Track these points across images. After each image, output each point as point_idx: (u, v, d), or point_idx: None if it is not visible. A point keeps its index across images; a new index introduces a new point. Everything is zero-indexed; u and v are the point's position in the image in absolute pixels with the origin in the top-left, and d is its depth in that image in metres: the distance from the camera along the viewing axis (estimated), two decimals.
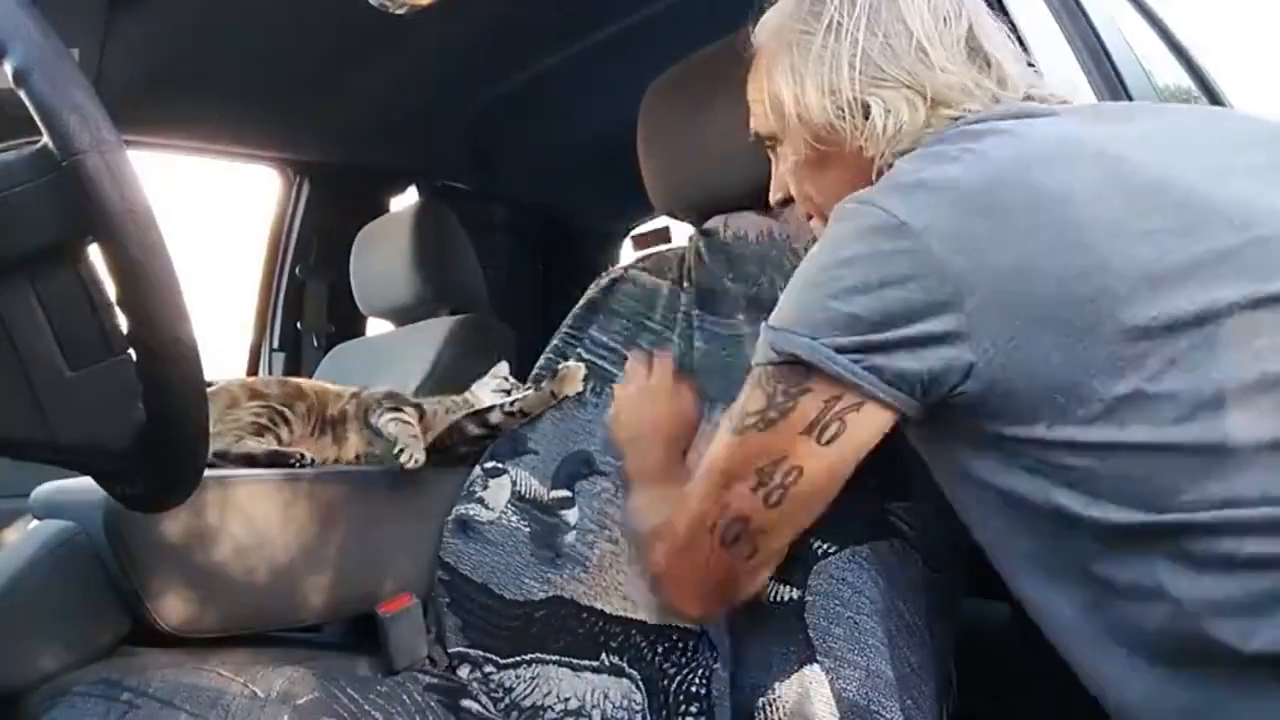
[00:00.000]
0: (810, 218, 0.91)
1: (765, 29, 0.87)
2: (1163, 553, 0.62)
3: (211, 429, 1.17)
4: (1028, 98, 0.81)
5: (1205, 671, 0.61)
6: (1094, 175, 0.67)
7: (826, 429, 0.70)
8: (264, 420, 1.22)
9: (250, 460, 1.15)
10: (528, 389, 1.28)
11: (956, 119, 0.78)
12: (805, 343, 0.69)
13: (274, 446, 1.19)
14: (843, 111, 0.80)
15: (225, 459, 1.15)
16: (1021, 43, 1.05)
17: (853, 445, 0.72)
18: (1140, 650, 0.64)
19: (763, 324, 0.75)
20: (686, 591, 0.82)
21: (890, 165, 0.78)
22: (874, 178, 0.78)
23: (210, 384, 1.27)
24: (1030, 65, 0.84)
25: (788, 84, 0.83)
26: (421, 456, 1.15)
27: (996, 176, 0.68)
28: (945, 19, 0.80)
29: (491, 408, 1.27)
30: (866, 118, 0.79)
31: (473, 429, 1.26)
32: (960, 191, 0.68)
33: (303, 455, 1.17)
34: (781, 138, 0.88)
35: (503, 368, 1.39)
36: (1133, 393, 0.62)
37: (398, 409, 1.24)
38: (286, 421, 1.24)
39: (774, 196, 0.93)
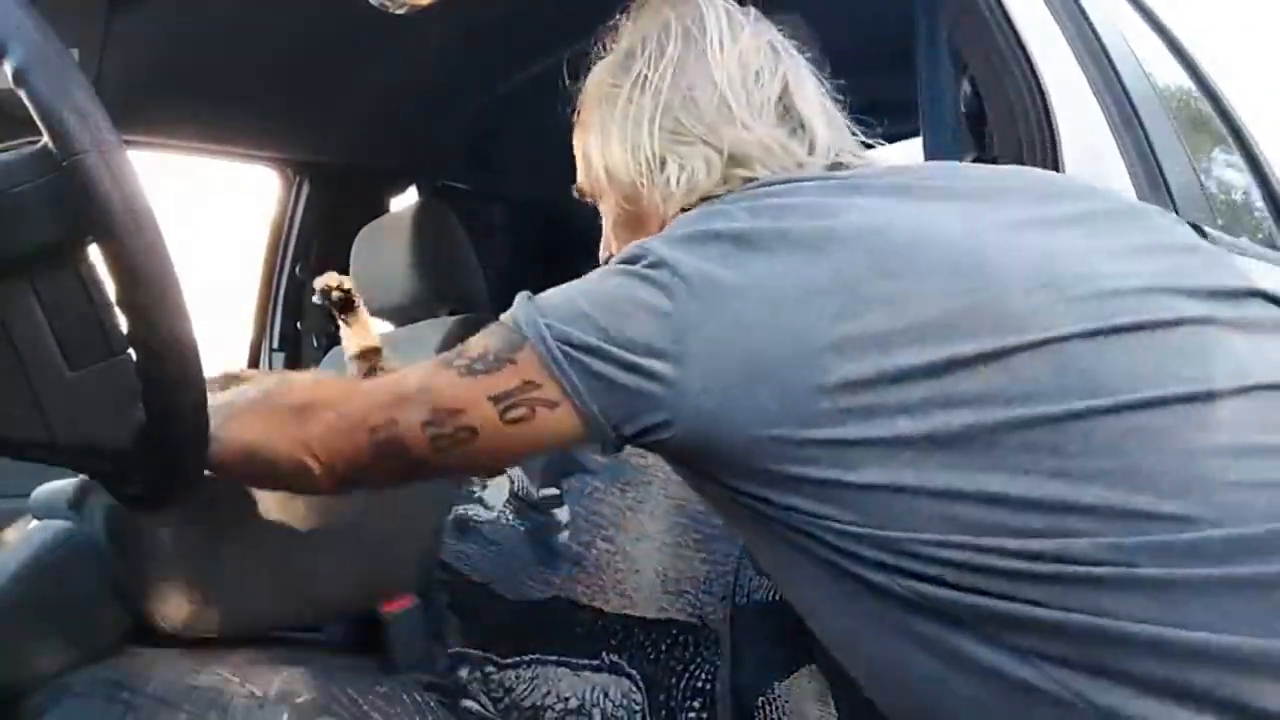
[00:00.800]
0: None
1: (588, 81, 0.86)
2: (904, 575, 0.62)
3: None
4: (836, 164, 0.79)
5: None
6: (846, 238, 0.66)
7: (514, 408, 0.68)
8: None
9: None
10: None
11: (749, 180, 0.76)
12: (536, 322, 0.68)
13: None
14: (642, 168, 0.78)
15: None
16: (1023, 46, 1.06)
17: (530, 438, 0.69)
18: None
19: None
20: (316, 473, 0.74)
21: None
22: None
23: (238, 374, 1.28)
24: (853, 133, 0.83)
25: (596, 140, 0.82)
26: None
27: (750, 236, 0.67)
28: (757, 75, 0.78)
29: None
30: (664, 172, 0.77)
31: None
32: (714, 248, 0.67)
33: None
34: (597, 196, 0.86)
35: None
36: (862, 439, 0.61)
37: None
38: None
39: (603, 254, 0.90)
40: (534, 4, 1.63)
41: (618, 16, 0.85)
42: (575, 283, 0.71)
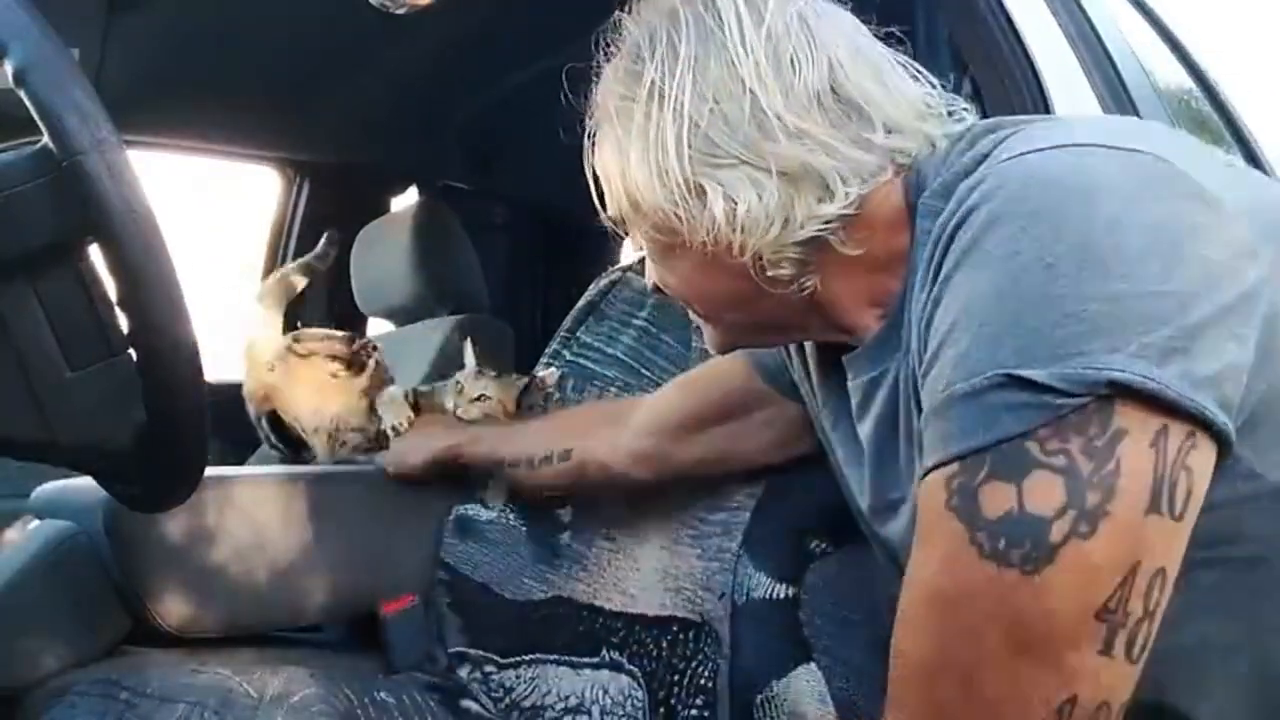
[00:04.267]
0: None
1: (598, 92, 0.70)
2: None
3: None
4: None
5: None
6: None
7: (1176, 488, 0.46)
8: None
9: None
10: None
11: (910, 164, 0.62)
12: (1115, 360, 0.45)
13: None
14: (674, 197, 0.63)
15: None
16: (1023, 46, 1.06)
17: (1196, 505, 0.47)
18: None
19: (952, 389, 0.49)
20: None
21: (774, 260, 0.62)
22: (754, 274, 0.64)
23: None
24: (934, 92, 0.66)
25: (614, 162, 0.67)
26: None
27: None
28: (793, 62, 0.61)
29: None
30: (704, 206, 0.62)
31: None
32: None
33: None
34: (625, 224, 0.71)
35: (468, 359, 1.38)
36: None
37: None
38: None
39: (649, 282, 0.76)
40: (534, 4, 1.63)
41: (618, 11, 0.70)
42: (1040, 286, 0.47)
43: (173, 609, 0.99)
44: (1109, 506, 0.45)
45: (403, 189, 2.31)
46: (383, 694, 1.01)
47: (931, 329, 0.53)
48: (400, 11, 1.35)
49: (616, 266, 1.37)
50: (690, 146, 0.62)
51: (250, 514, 1.05)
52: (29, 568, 0.97)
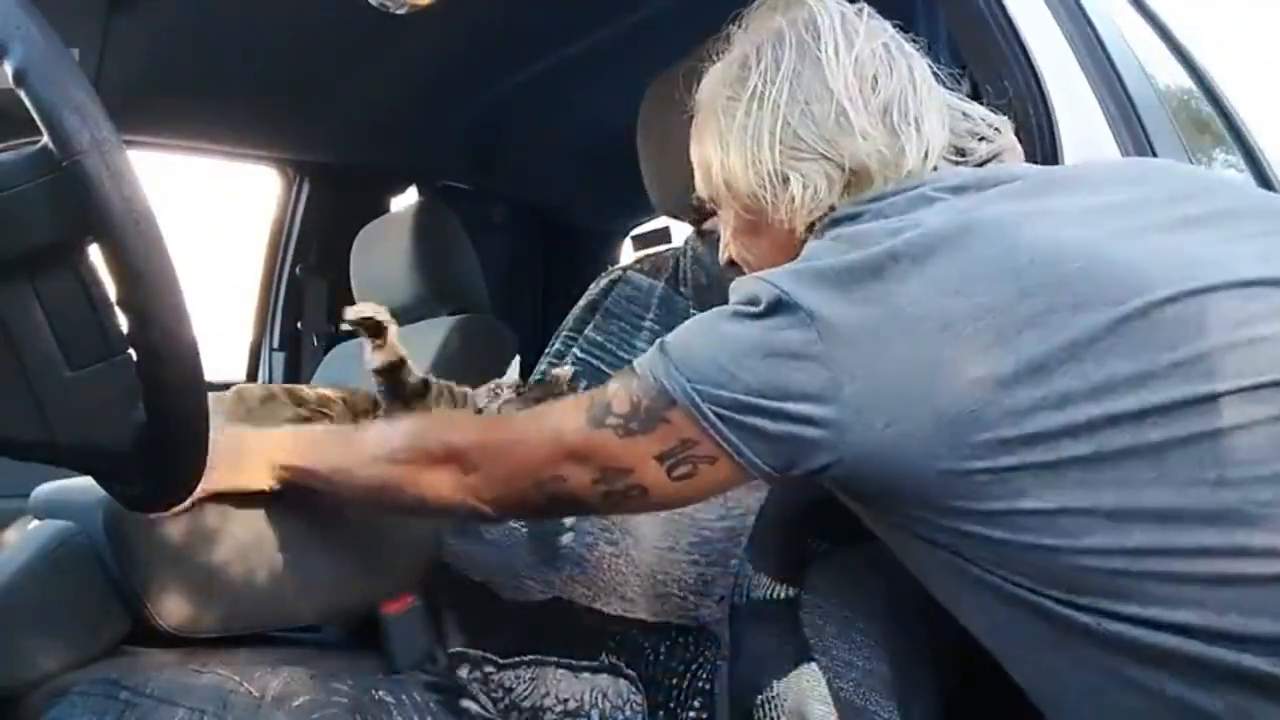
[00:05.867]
0: None
1: (702, 91, 0.87)
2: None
3: (247, 418, 1.18)
4: (961, 153, 0.81)
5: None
6: (988, 259, 0.66)
7: (678, 466, 0.71)
8: (306, 413, 1.23)
9: None
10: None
11: (871, 200, 0.76)
12: (682, 383, 0.69)
13: None
14: (764, 182, 0.79)
15: None
16: (1023, 46, 1.06)
17: (700, 489, 0.74)
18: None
19: (662, 338, 0.74)
20: (488, 514, 0.85)
21: (803, 238, 0.79)
22: (796, 250, 0.78)
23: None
24: (984, 118, 0.84)
25: (715, 151, 0.83)
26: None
27: (880, 268, 0.67)
28: (874, 80, 0.78)
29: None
30: (787, 189, 0.78)
31: None
32: (846, 283, 0.67)
33: None
34: (717, 203, 0.88)
35: (513, 371, 1.38)
36: (1027, 464, 0.62)
37: None
38: (328, 418, 1.25)
39: (722, 257, 0.93)
40: (534, 4, 1.63)
41: (728, 26, 0.85)
42: (707, 332, 0.72)
43: (172, 609, 0.99)
44: (636, 436, 0.72)
45: (403, 189, 2.31)
46: (382, 694, 1.01)
47: None
48: (400, 11, 1.35)
49: (616, 266, 1.38)
50: (781, 142, 0.78)
51: (250, 514, 1.05)
52: (29, 568, 0.96)
